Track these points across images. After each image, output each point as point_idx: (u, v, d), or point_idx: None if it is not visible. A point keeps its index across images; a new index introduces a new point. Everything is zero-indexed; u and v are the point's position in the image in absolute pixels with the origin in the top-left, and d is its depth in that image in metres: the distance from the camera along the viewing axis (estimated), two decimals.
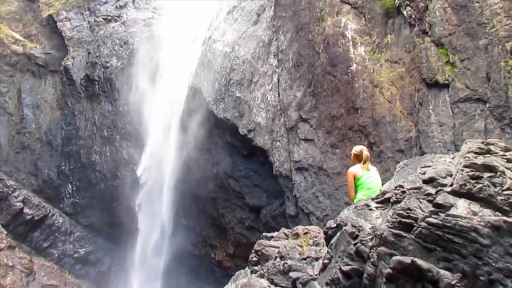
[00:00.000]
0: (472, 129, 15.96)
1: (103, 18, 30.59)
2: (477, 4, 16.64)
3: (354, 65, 20.14)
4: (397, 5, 19.57)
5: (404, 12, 19.26)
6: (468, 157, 6.18)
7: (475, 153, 6.30)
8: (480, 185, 5.82)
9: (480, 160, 6.07)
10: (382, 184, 8.80)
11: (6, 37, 30.10)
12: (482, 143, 6.61)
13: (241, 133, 23.00)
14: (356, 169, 9.35)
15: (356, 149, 9.75)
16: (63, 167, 29.65)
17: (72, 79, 29.44)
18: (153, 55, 28.96)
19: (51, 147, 29.94)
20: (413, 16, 18.88)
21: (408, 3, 19.07)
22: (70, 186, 29.63)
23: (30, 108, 30.12)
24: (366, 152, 9.49)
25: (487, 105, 15.72)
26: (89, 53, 29.70)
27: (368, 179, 9.17)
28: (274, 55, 23.91)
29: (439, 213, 5.82)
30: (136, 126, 28.13)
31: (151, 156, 27.39)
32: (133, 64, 28.99)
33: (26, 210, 28.10)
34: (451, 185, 6.08)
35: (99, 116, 29.23)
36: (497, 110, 15.39)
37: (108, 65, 29.11)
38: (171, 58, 28.13)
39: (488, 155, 6.27)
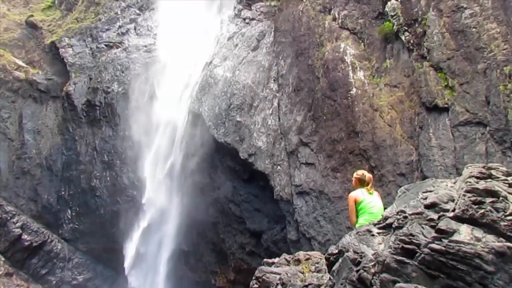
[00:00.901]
0: (473, 153, 15.92)
1: (105, 45, 31.00)
2: (474, 29, 16.87)
3: (354, 89, 20.27)
4: (395, 30, 19.85)
5: (403, 38, 19.51)
6: (470, 182, 6.13)
7: (477, 177, 6.25)
8: (482, 211, 5.75)
9: (481, 185, 6.02)
10: (384, 209, 8.70)
11: (9, 64, 30.44)
12: (483, 167, 6.57)
13: (242, 157, 22.96)
14: (357, 194, 9.26)
15: (358, 173, 9.70)
16: (63, 193, 29.50)
17: (73, 105, 29.61)
18: (154, 80, 29.21)
19: (51, 172, 29.87)
20: (412, 41, 19.12)
21: (406, 28, 19.34)
22: (69, 212, 29.40)
23: (31, 133, 30.19)
24: (368, 175, 9.45)
25: (488, 128, 15.74)
26: (90, 78, 29.97)
27: (370, 203, 9.07)
28: (274, 80, 24.10)
29: (442, 239, 5.73)
30: (137, 151, 28.13)
31: (155, 182, 27.31)
32: (134, 89, 29.21)
33: (24, 236, 27.80)
34: (453, 210, 6.01)
35: (99, 141, 29.27)
36: (497, 134, 15.39)
37: (109, 90, 29.34)
38: (171, 83, 28.36)
39: (489, 179, 6.22)
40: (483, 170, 6.47)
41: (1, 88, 29.86)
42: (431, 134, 17.35)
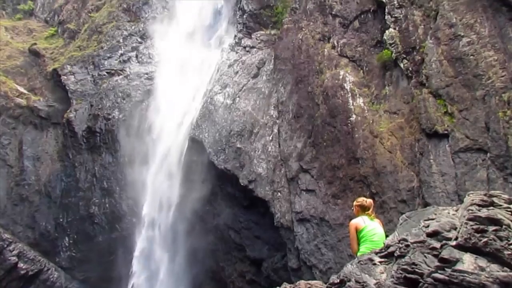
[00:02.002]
0: (474, 179, 15.83)
1: (107, 72, 31.33)
2: (472, 57, 17.05)
3: (354, 116, 20.34)
4: (394, 58, 20.07)
5: (401, 65, 19.71)
6: (472, 210, 6.04)
7: (478, 205, 6.17)
8: (485, 239, 5.64)
9: (484, 213, 5.93)
10: (386, 236, 8.57)
11: (11, 91, 30.70)
12: (485, 195, 6.49)
13: (242, 184, 22.87)
14: (358, 221, 9.14)
15: (358, 200, 9.63)
16: (61, 220, 29.19)
17: (74, 131, 29.69)
18: (155, 107, 29.40)
19: (49, 199, 29.67)
20: (410, 69, 19.30)
21: (405, 56, 19.57)
22: (67, 239, 29.02)
23: (30, 160, 30.15)
24: (369, 200, 9.37)
25: (488, 155, 15.69)
26: (91, 105, 30.16)
27: (371, 231, 8.94)
28: (274, 107, 24.24)
29: (445, 268, 5.61)
30: (137, 178, 28.02)
31: (154, 209, 27.11)
32: (135, 116, 29.35)
33: (20, 264, 27.32)
34: (456, 239, 5.90)
35: (99, 168, 29.20)
36: (498, 160, 15.33)
37: (110, 117, 29.48)
38: (172, 110, 28.53)
39: (492, 207, 6.13)
40: (485, 198, 6.39)
41: (2, 114, 30.00)
42: (431, 160, 17.29)
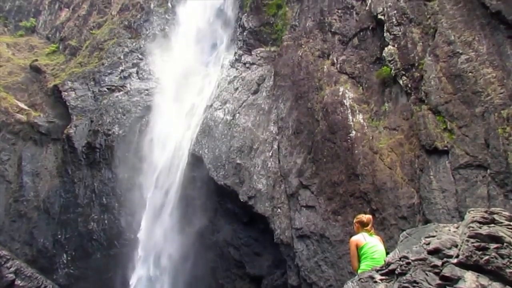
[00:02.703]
0: (475, 196, 15.75)
1: (107, 88, 31.51)
2: (470, 74, 17.15)
3: (353, 132, 20.36)
4: (393, 75, 20.18)
5: (400, 82, 19.81)
6: (473, 227, 5.99)
7: (479, 222, 6.12)
8: (487, 257, 5.57)
9: (485, 230, 5.88)
10: (386, 253, 8.48)
11: (11, 107, 30.81)
12: (486, 212, 6.44)
13: (242, 200, 22.76)
14: (358, 238, 9.05)
15: (358, 216, 9.57)
16: (59, 236, 28.97)
17: (73, 147, 29.70)
18: (155, 123, 29.45)
19: (48, 215, 29.48)
20: (409, 85, 19.39)
21: (404, 73, 19.68)
22: (65, 256, 28.74)
23: (29, 175, 30.08)
24: (367, 216, 9.31)
25: (488, 171, 15.65)
26: (91, 121, 30.24)
27: (372, 248, 8.84)
28: (274, 123, 24.29)
29: (447, 286, 5.53)
30: (136, 194, 27.92)
31: (152, 224, 26.92)
32: (135, 132, 29.38)
33: (18, 281, 26.98)
34: (457, 257, 5.83)
35: (98, 184, 29.11)
36: (498, 177, 15.28)
37: (110, 132, 29.52)
38: (172, 126, 28.57)
39: (493, 224, 6.08)
40: (486, 215, 6.34)
41: (2, 130, 30.04)
42: (431, 176, 17.24)
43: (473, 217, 6.36)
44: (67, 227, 29.11)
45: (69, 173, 29.80)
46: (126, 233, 27.92)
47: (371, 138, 19.84)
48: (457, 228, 6.76)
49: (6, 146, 30.17)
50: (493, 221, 6.21)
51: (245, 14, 29.13)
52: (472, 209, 6.99)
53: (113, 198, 28.59)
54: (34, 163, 30.44)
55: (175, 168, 26.95)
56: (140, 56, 32.77)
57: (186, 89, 30.03)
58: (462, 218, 7.25)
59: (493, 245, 5.67)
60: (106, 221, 28.42)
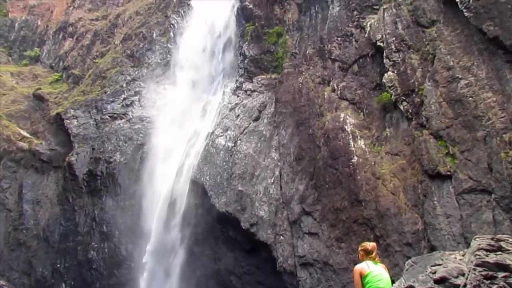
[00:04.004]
0: (480, 221, 15.55)
1: (109, 116, 31.68)
2: (471, 98, 17.21)
3: (355, 157, 20.31)
4: (394, 100, 20.27)
5: (401, 107, 19.88)
6: (479, 255, 5.85)
7: (486, 250, 5.98)
8: (495, 286, 5.42)
9: (492, 258, 5.73)
10: (392, 282, 8.28)
11: (13, 134, 30.94)
12: (492, 239, 6.31)
13: (243, 227, 22.49)
14: (362, 266, 8.84)
15: (362, 244, 9.38)
16: (58, 265, 28.53)
17: (74, 175, 29.63)
18: (156, 150, 29.44)
19: (47, 244, 29.13)
20: (410, 111, 19.45)
21: (404, 98, 19.77)
22: (64, 286, 28.19)
23: (30, 203, 29.91)
24: (372, 243, 9.12)
25: (493, 196, 15.49)
26: (93, 149, 30.28)
27: (376, 277, 8.61)
28: (275, 149, 24.26)
29: None
30: (136, 222, 27.65)
31: (153, 254, 26.54)
32: (136, 159, 29.35)
33: None
34: (464, 286, 5.68)
35: (99, 211, 28.88)
36: (503, 201, 15.11)
37: (111, 160, 29.49)
38: (173, 153, 28.56)
39: (500, 252, 5.94)
40: (492, 242, 6.21)
41: (4, 158, 30.06)
42: (435, 202, 17.07)
43: (479, 244, 6.23)
44: (66, 256, 28.72)
45: (69, 201, 29.63)
46: (127, 262, 27.49)
47: (373, 163, 19.77)
48: (463, 255, 6.62)
49: (7, 174, 30.12)
50: (500, 249, 6.07)
51: (246, 43, 29.54)
52: (478, 236, 6.86)
53: (114, 226, 28.29)
54: (35, 191, 30.30)
55: (176, 196, 26.75)
56: (142, 84, 33.07)
57: (187, 117, 30.15)
58: (468, 244, 7.11)
59: (501, 274, 5.52)
60: (106, 250, 28.03)
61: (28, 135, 31.50)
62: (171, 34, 35.15)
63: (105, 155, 29.75)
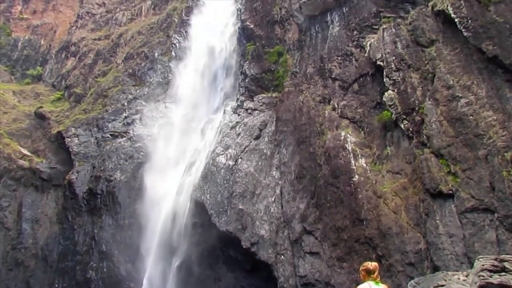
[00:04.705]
0: (483, 240, 15.37)
1: (110, 134, 31.77)
2: (471, 117, 17.22)
3: (356, 176, 20.22)
4: (394, 119, 20.29)
5: (402, 125, 19.88)
6: (483, 276, 5.75)
7: (490, 271, 5.88)
8: None
9: (496, 279, 5.64)
10: None
11: (14, 153, 30.97)
12: (496, 259, 6.21)
13: (244, 247, 22.24)
14: (364, 287, 8.72)
15: (364, 264, 9.26)
16: (56, 285, 28.16)
17: (74, 193, 29.54)
18: (156, 169, 29.38)
19: (46, 263, 28.83)
20: (411, 129, 19.45)
21: (405, 117, 19.79)
22: None
23: (29, 222, 29.73)
24: (373, 263, 9.00)
25: (496, 215, 15.35)
26: (94, 167, 30.26)
27: None
28: (276, 168, 24.18)
29: None
30: (136, 241, 27.40)
31: (153, 273, 26.24)
32: (136, 177, 29.27)
33: None
34: None
35: (98, 230, 28.66)
36: (507, 221, 14.97)
37: (111, 178, 29.43)
38: (174, 171, 28.49)
39: (503, 273, 5.84)
40: (496, 263, 6.11)
41: (4, 176, 30.01)
42: (438, 221, 16.91)
43: (483, 265, 6.13)
44: (64, 276, 28.38)
45: (69, 220, 29.45)
46: (125, 282, 27.14)
47: (374, 182, 19.67)
48: (466, 276, 6.51)
49: (7, 193, 30.02)
50: (503, 269, 5.97)
51: (247, 62, 29.77)
52: (482, 256, 6.77)
53: (113, 245, 28.03)
54: (34, 210, 30.16)
55: (177, 215, 26.57)
56: (143, 103, 33.24)
57: (188, 135, 30.20)
58: (471, 264, 7.01)
59: None
60: (105, 269, 27.71)
61: (28, 153, 31.53)
62: (173, 53, 35.49)
63: (105, 173, 29.69)
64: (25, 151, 31.50)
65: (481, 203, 16.02)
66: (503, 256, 6.52)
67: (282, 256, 21.19)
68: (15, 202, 30.07)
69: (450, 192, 16.93)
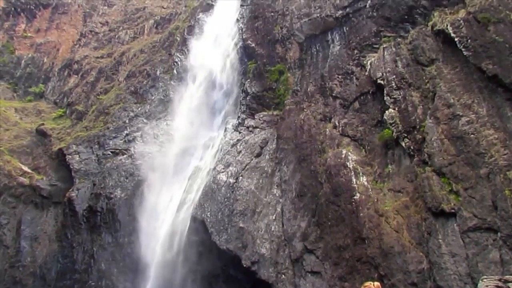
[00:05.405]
0: (487, 260, 15.21)
1: (111, 151, 31.78)
2: (472, 135, 17.24)
3: (358, 194, 20.14)
4: (395, 137, 20.32)
5: (403, 144, 19.89)
6: None
7: None
8: None
9: None
10: None
11: (14, 170, 30.92)
12: (500, 280, 6.12)
13: (245, 265, 22.02)
14: None
15: (365, 284, 9.15)
16: None
17: (74, 210, 29.38)
18: (157, 186, 29.30)
19: (44, 282, 28.45)
20: (412, 147, 19.45)
21: (406, 135, 19.81)
22: None
23: (28, 240, 29.47)
24: (376, 282, 8.89)
25: (499, 234, 15.23)
26: (94, 184, 30.17)
27: None
28: (277, 186, 24.11)
29: None
30: (136, 259, 27.12)
31: None
32: (137, 195, 29.15)
33: None
34: None
35: (97, 248, 28.39)
36: (510, 240, 14.84)
37: (112, 196, 29.31)
38: (174, 189, 28.40)
39: None
40: (500, 284, 6.02)
41: (4, 193, 29.89)
42: (440, 240, 16.77)
43: (487, 286, 6.04)
44: None
45: (68, 238, 29.19)
46: None
47: (376, 200, 19.57)
48: None
49: (6, 210, 29.85)
50: None
51: (248, 80, 30.00)
52: (485, 276, 6.67)
53: (112, 264, 27.73)
54: (34, 227, 29.93)
55: (177, 233, 26.37)
56: (145, 120, 33.34)
57: (189, 153, 30.20)
58: (475, 285, 6.91)
59: None
60: None
61: (29, 170, 31.47)
62: (174, 71, 35.76)
63: (105, 190, 29.58)
64: (25, 168, 31.45)
65: (483, 222, 15.91)
66: (507, 276, 6.43)
67: (283, 275, 20.96)
68: (14, 219, 29.88)
69: (452, 211, 16.83)
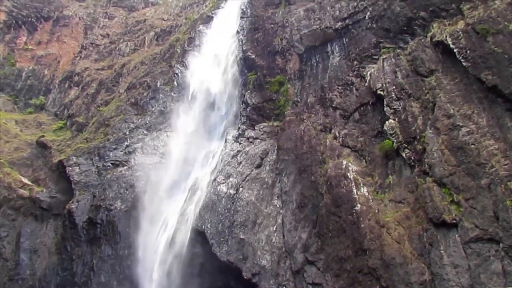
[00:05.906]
0: (489, 271, 15.12)
1: (112, 163, 31.75)
2: (473, 146, 17.26)
3: (359, 205, 20.09)
4: (396, 147, 20.34)
5: (403, 154, 19.90)
6: None
7: None
8: None
9: None
10: None
11: (14, 182, 30.87)
12: None
13: (245, 277, 21.87)
14: None
15: None
16: None
17: (74, 222, 29.24)
18: (157, 198, 29.21)
19: None
20: (412, 158, 19.46)
21: (406, 146, 19.83)
22: None
23: (27, 252, 29.28)
24: None
25: (501, 245, 15.17)
26: (94, 196, 30.08)
27: None
28: (278, 197, 24.05)
29: None
30: (136, 271, 26.94)
31: None
32: (137, 207, 29.05)
33: None
34: None
35: (97, 261, 28.19)
36: None
37: (112, 208, 29.20)
38: (175, 200, 28.33)
39: None
40: None
41: (3, 206, 29.78)
42: (442, 251, 16.69)
43: None
44: None
45: (67, 250, 29.00)
46: None
47: (376, 211, 19.52)
48: None
49: (6, 222, 29.71)
50: None
51: (248, 91, 30.12)
52: (488, 286, 6.62)
53: (112, 276, 27.53)
54: (33, 240, 29.75)
55: (177, 244, 26.23)
56: (145, 132, 33.38)
57: (189, 164, 30.18)
58: None
59: None
60: None
61: (29, 183, 31.42)
62: (175, 83, 35.90)
63: (105, 202, 29.49)
64: (25, 180, 31.40)
65: (485, 233, 15.86)
66: (509, 287, 6.39)
67: (284, 287, 20.81)
68: (13, 232, 29.73)
69: (454, 221, 16.78)
